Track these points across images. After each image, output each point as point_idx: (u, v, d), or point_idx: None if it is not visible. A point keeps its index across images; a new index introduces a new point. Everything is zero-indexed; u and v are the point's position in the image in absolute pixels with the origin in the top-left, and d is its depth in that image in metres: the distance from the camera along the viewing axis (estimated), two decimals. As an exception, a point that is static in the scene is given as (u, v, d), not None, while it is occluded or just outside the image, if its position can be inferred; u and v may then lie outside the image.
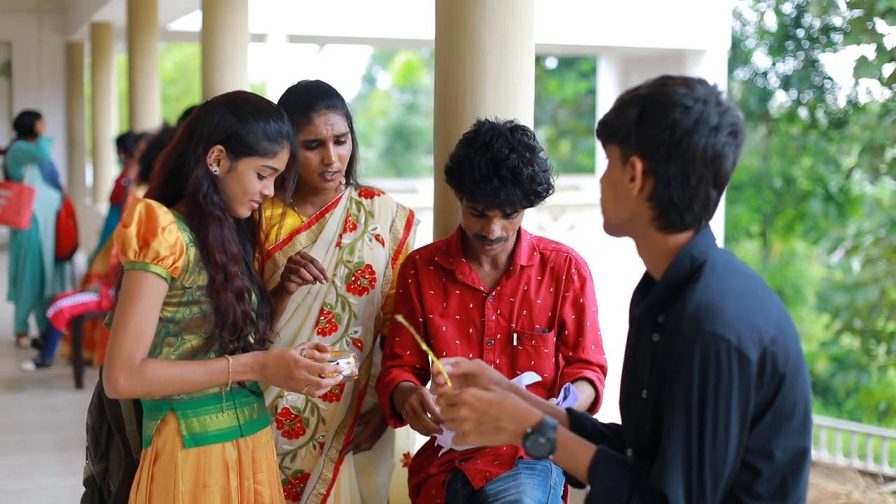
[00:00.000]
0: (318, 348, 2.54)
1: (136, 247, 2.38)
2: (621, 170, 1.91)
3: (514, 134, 2.78)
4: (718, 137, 1.85)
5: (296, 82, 3.05)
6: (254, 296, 2.58)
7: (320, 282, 2.83)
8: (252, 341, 2.56)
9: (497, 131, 2.78)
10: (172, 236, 2.40)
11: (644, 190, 1.89)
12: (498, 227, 2.79)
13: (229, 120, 2.48)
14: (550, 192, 2.83)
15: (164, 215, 2.41)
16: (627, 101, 1.91)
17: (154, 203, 2.42)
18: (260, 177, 2.52)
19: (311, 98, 2.95)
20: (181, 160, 2.49)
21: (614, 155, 1.93)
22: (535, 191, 2.76)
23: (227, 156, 2.48)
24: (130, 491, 2.52)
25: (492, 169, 2.71)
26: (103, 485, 2.64)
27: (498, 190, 2.71)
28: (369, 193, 3.16)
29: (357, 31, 15.51)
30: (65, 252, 9.08)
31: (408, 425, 2.85)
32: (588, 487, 1.97)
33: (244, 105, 2.52)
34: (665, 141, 1.84)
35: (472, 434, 1.95)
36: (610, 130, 1.93)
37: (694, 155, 1.84)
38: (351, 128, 3.03)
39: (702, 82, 1.89)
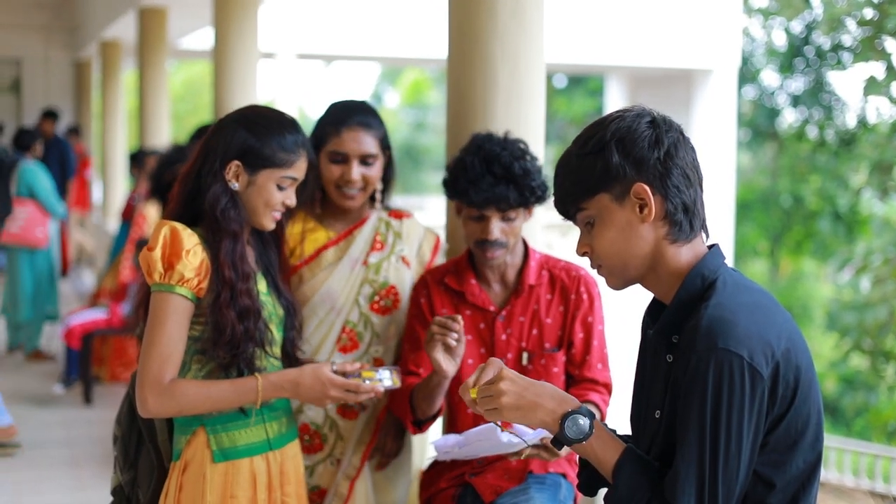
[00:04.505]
0: (362, 368, 2.60)
1: (161, 269, 2.40)
2: (622, 209, 1.93)
3: (505, 138, 2.87)
4: (681, 138, 1.93)
5: (341, 99, 3.09)
6: (272, 313, 2.59)
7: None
8: (260, 364, 2.53)
9: (489, 136, 2.88)
10: (197, 258, 2.42)
11: (658, 209, 1.91)
12: (496, 229, 2.82)
13: (243, 135, 2.51)
14: (546, 193, 2.87)
15: (189, 237, 2.43)
16: (594, 152, 1.92)
17: (179, 225, 2.44)
18: (280, 188, 2.55)
19: (345, 114, 3.00)
20: (198, 179, 2.52)
21: (603, 204, 1.94)
22: (529, 187, 2.81)
23: (245, 170, 2.52)
24: (159, 500, 2.54)
25: (484, 167, 2.80)
26: (131, 494, 2.65)
27: (492, 186, 2.78)
28: (398, 215, 3.18)
29: (365, 49, 15.58)
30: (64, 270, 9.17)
31: (426, 433, 2.91)
32: (599, 491, 1.98)
33: (257, 119, 2.55)
34: (657, 157, 1.90)
35: (509, 408, 1.94)
36: (590, 185, 1.94)
37: (683, 157, 1.91)
38: (386, 151, 3.06)
39: (631, 108, 1.96)
